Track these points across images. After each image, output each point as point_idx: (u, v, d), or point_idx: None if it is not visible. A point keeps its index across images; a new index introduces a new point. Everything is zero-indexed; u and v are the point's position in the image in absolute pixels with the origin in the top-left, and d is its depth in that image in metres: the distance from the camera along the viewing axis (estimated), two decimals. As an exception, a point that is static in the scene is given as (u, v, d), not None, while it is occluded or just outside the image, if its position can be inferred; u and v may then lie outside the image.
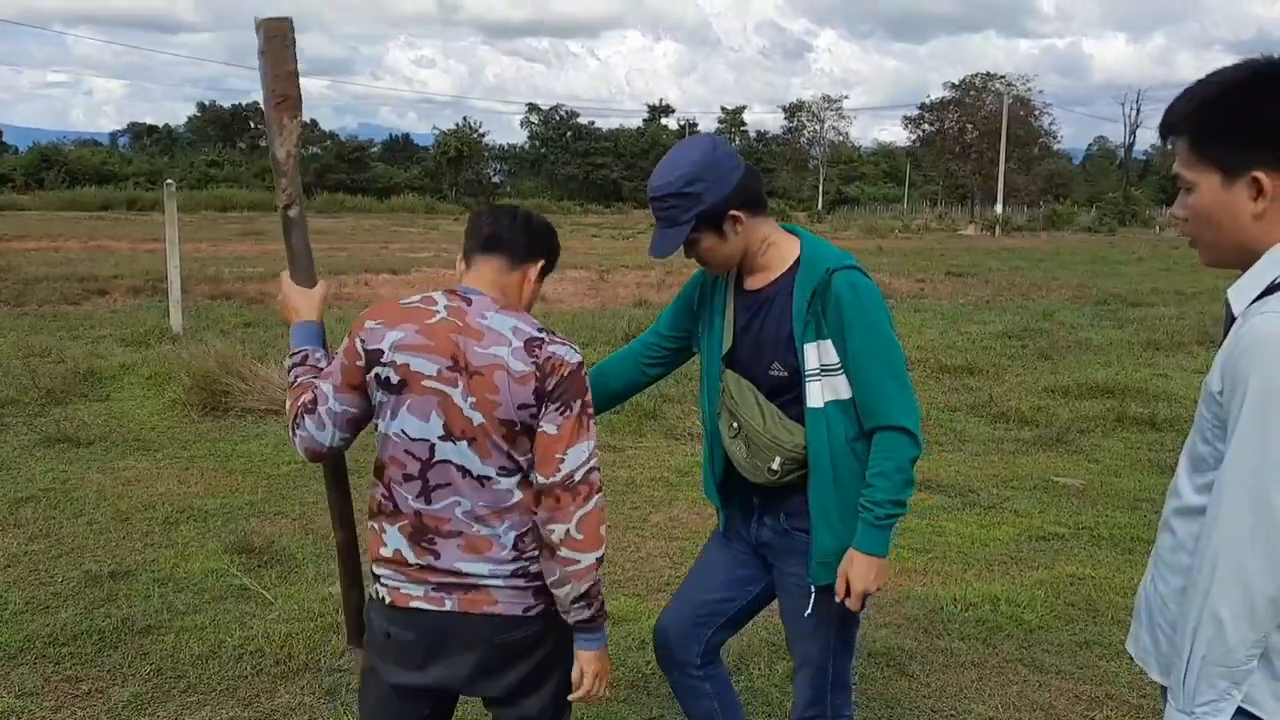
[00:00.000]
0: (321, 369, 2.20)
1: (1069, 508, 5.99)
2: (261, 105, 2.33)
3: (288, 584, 4.55)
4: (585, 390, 2.09)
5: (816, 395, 2.33)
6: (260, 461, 6.53)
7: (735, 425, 2.44)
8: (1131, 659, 1.86)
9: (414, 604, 2.09)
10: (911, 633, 4.23)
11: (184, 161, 67.52)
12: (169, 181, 12.13)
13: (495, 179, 79.83)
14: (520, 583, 2.10)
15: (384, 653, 2.16)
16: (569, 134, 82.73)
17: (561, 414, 2.05)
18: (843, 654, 2.51)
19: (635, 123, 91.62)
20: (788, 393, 2.38)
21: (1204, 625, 1.58)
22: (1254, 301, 1.62)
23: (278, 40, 2.26)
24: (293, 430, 2.16)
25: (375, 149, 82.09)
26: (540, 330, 2.09)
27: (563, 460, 2.04)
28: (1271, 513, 1.53)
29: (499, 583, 2.08)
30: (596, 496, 2.08)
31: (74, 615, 4.16)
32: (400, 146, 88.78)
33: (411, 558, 2.09)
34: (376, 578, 2.15)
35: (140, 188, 55.33)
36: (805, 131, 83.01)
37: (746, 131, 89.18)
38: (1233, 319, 1.65)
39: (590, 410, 2.10)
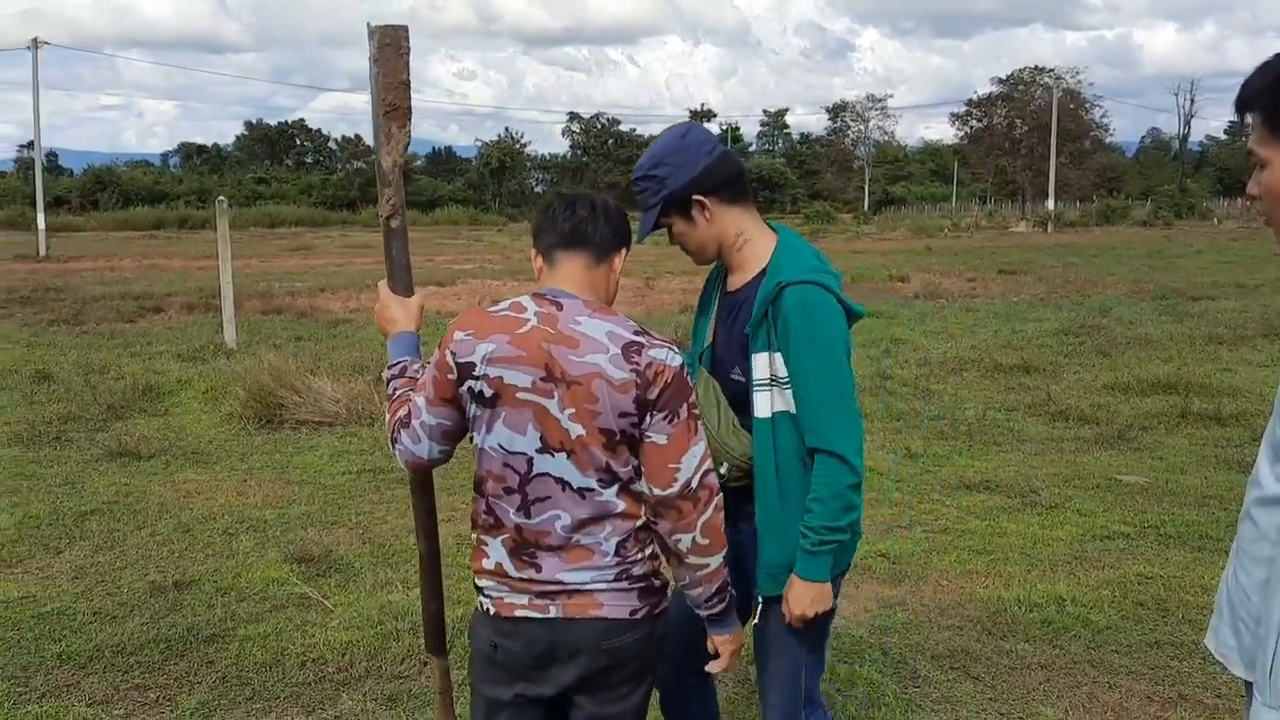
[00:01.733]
0: (418, 380, 2.15)
1: (1133, 506, 5.85)
2: (371, 115, 2.27)
3: (346, 592, 4.59)
4: (689, 391, 2.03)
5: (765, 405, 2.28)
6: (316, 473, 6.60)
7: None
8: (1205, 658, 1.81)
9: (519, 612, 2.05)
10: (975, 634, 4.16)
11: (233, 179, 68.87)
12: (221, 199, 12.32)
13: (538, 189, 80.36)
14: (624, 585, 2.06)
15: (490, 666, 2.11)
16: (610, 141, 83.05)
17: (670, 422, 1.99)
18: (814, 671, 2.43)
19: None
20: (748, 400, 2.33)
21: None
22: None
23: (391, 49, 2.20)
24: (392, 444, 2.13)
25: (419, 162, 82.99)
26: (637, 333, 2.02)
27: (677, 469, 1.99)
28: None
29: (603, 586, 2.04)
30: (716, 499, 2.06)
31: (140, 625, 4.22)
32: (443, 159, 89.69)
33: (513, 571, 2.05)
34: (480, 589, 2.11)
35: (191, 206, 56.54)
36: (850, 132, 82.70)
37: (790, 134, 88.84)
38: None
39: (696, 411, 2.05)
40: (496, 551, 2.06)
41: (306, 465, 6.76)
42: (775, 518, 2.30)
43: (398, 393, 2.17)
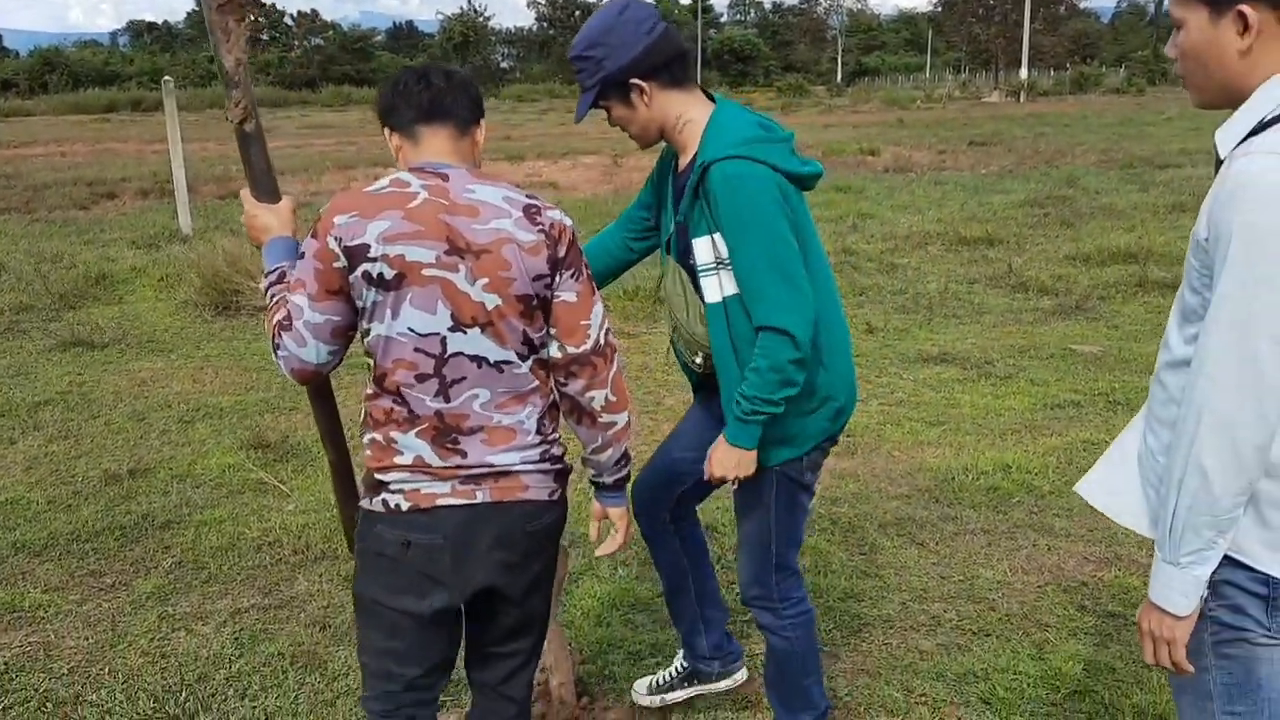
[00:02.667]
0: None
1: (1085, 375, 5.93)
2: (202, 9, 2.08)
3: (304, 477, 4.60)
4: (583, 251, 2.04)
5: (714, 290, 2.24)
6: (273, 359, 6.54)
7: (668, 314, 2.40)
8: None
9: (440, 501, 1.94)
10: (922, 503, 4.24)
11: (186, 59, 66.47)
12: (167, 79, 11.91)
13: (504, 64, 78.24)
14: (546, 466, 2.03)
15: (395, 573, 1.98)
16: (577, 14, 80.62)
17: (576, 280, 1.99)
18: (785, 539, 2.47)
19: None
20: None
21: (1189, 475, 1.55)
22: (1240, 143, 1.55)
23: None
24: (274, 352, 1.98)
25: (379, 38, 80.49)
26: (530, 195, 1.98)
27: (589, 325, 2.00)
28: (1257, 360, 1.49)
29: (529, 468, 2.00)
30: (618, 356, 2.09)
31: (95, 512, 4.23)
32: (404, 35, 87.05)
33: (436, 461, 1.94)
34: (383, 486, 1.96)
35: (144, 87, 54.60)
36: (822, 0, 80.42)
37: (761, 3, 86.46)
38: (1221, 163, 1.58)
39: (589, 270, 2.05)
40: (413, 445, 1.94)
41: (263, 352, 6.70)
42: None
43: (277, 298, 1.99)
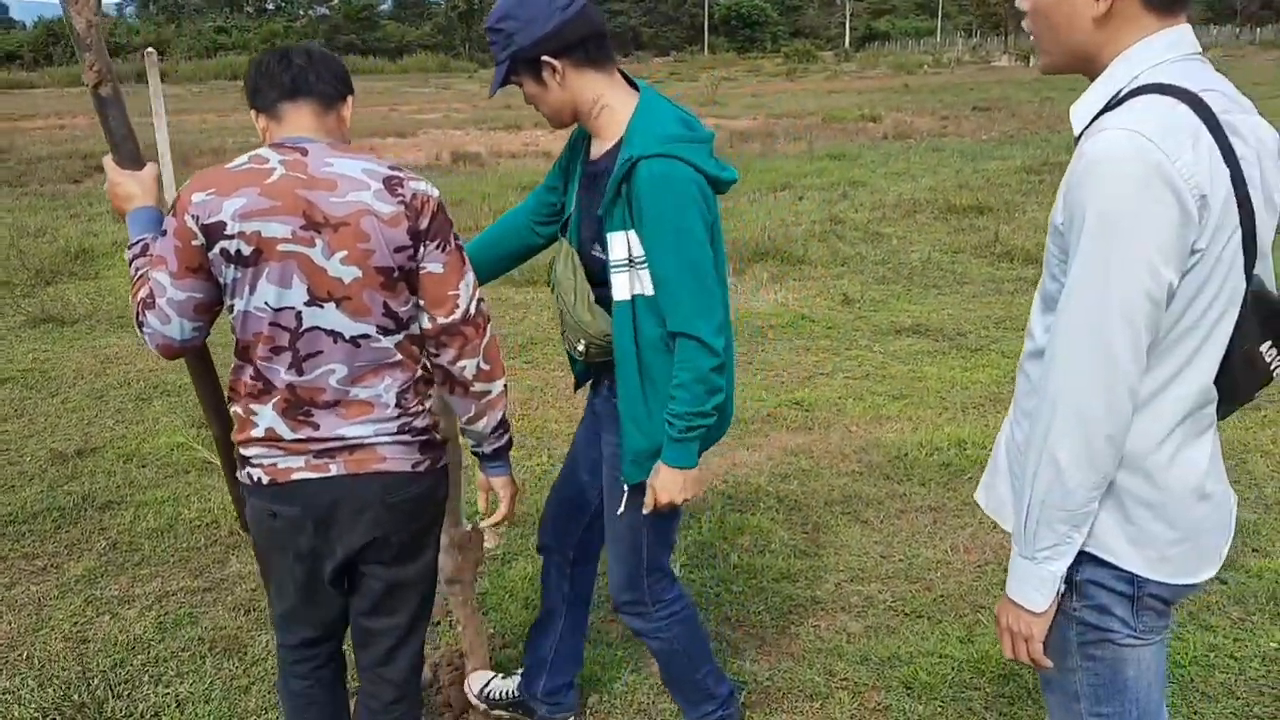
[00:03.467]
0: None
1: (1058, 346, 5.83)
2: None
3: (253, 455, 4.55)
4: (452, 223, 2.02)
5: (623, 288, 2.15)
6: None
7: (556, 299, 2.31)
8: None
9: (296, 475, 1.98)
10: (873, 480, 4.17)
11: (191, 29, 66.23)
12: (150, 51, 11.78)
13: (511, 32, 77.56)
14: (407, 438, 2.03)
15: (271, 539, 2.06)
16: (585, -20, 79.74)
17: (443, 250, 1.98)
18: (658, 543, 2.39)
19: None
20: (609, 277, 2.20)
21: (1043, 468, 1.48)
22: (1093, 120, 1.45)
23: None
24: (139, 328, 1.98)
25: (384, 6, 79.88)
26: (393, 168, 1.96)
27: (458, 295, 2.00)
28: (1109, 348, 1.40)
29: (386, 440, 2.01)
30: (490, 325, 2.08)
31: (36, 493, 4.20)
32: (410, 3, 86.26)
33: (288, 434, 1.97)
34: (246, 460, 2.02)
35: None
36: (831, -37, 79.42)
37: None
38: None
39: (460, 241, 2.04)
40: (266, 417, 1.97)
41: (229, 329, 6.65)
42: (637, 405, 2.21)
43: (140, 272, 2.01)
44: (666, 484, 2.20)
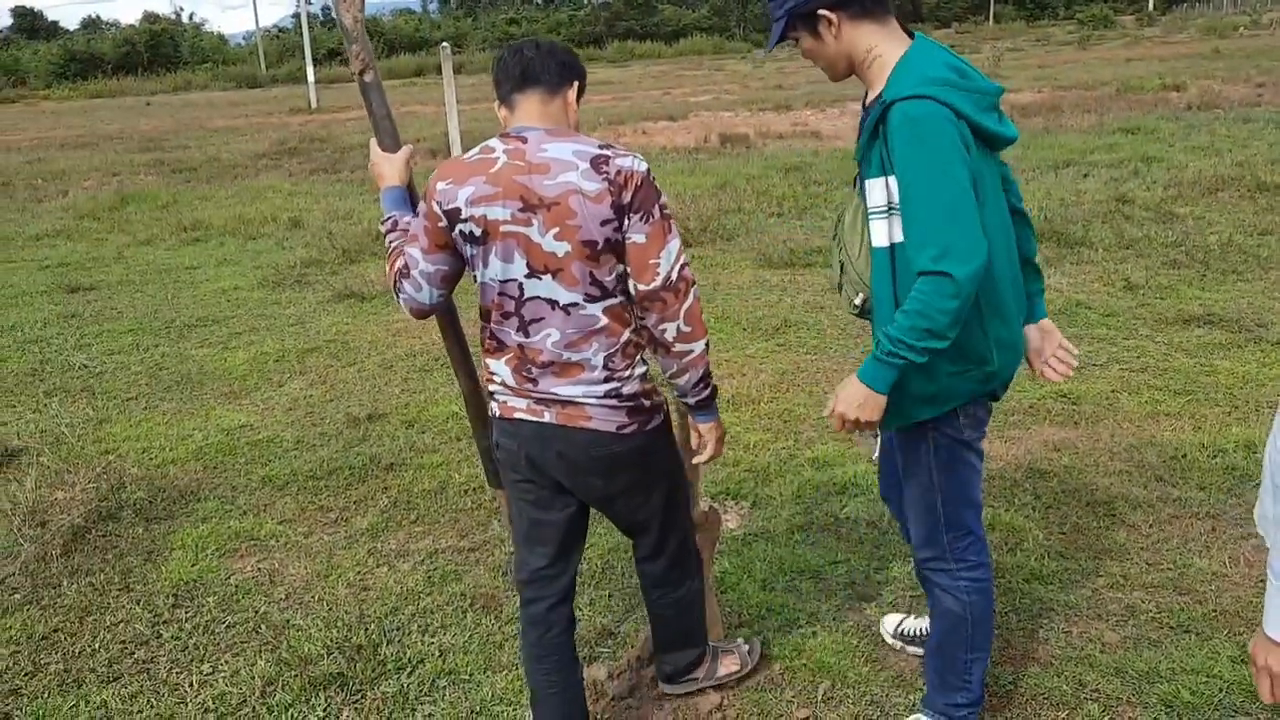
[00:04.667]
0: (410, 233, 2.33)
1: (1382, 342, 5.16)
2: None
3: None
4: (659, 194, 2.16)
5: (882, 234, 2.13)
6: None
7: (840, 250, 2.31)
8: None
9: (518, 414, 2.29)
10: (1143, 481, 3.88)
11: (486, 22, 70.43)
12: (444, 45, 12.71)
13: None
14: (613, 402, 2.25)
15: (503, 464, 2.40)
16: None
17: (645, 221, 2.13)
18: (952, 498, 2.35)
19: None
20: None
21: None
22: None
23: None
24: (396, 294, 2.35)
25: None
26: (602, 147, 2.14)
27: (658, 264, 2.14)
28: None
29: (593, 402, 2.24)
30: (694, 289, 2.21)
31: (333, 453, 4.68)
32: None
33: (514, 384, 2.28)
34: (492, 395, 2.36)
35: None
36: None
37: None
38: None
39: (669, 210, 2.18)
40: (501, 371, 2.29)
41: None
42: None
43: (393, 245, 2.36)
44: (849, 396, 2.18)
